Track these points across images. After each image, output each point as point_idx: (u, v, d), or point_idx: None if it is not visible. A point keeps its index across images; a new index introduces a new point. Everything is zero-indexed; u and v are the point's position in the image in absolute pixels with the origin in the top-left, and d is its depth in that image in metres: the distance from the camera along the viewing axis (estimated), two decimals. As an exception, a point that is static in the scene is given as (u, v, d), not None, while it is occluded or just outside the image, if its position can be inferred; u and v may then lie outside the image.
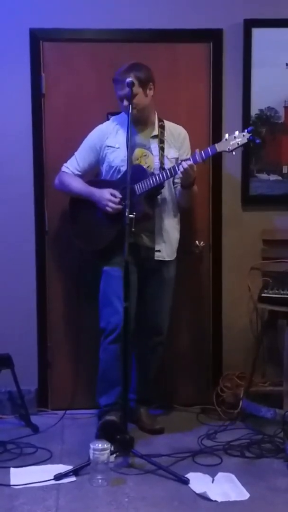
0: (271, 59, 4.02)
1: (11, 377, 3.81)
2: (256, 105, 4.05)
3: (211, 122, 4.07)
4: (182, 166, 3.48)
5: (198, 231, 4.12)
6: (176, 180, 3.70)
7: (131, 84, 3.45)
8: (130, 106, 3.44)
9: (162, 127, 3.75)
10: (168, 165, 3.65)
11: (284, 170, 4.12)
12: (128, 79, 3.47)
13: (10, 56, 3.95)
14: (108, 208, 3.58)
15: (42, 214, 4.04)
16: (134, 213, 3.33)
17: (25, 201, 4.01)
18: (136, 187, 3.56)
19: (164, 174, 3.56)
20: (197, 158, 3.51)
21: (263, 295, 3.75)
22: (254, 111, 4.05)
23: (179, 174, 3.54)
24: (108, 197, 3.58)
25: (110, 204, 3.58)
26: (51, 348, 4.12)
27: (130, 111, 3.44)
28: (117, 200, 3.57)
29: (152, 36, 3.99)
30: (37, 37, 3.95)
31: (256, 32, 3.99)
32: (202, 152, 3.51)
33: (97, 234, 3.69)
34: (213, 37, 4.02)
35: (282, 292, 3.71)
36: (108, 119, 3.87)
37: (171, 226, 3.75)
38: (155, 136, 3.72)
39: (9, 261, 4.04)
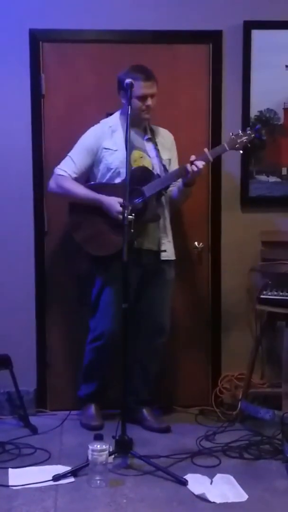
0: (271, 61, 4.02)
1: (10, 377, 3.81)
2: (255, 106, 4.05)
3: (210, 123, 4.07)
4: (196, 166, 3.53)
5: (197, 232, 4.12)
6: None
7: (130, 86, 3.45)
8: (130, 107, 3.43)
9: (151, 129, 3.78)
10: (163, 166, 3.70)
11: (284, 172, 4.12)
12: (128, 80, 3.47)
13: (9, 56, 3.95)
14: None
15: (42, 215, 4.04)
16: (133, 215, 3.33)
17: (25, 201, 4.01)
18: (145, 189, 3.57)
19: (175, 175, 3.62)
20: (209, 157, 3.58)
21: (262, 296, 3.75)
22: (253, 112, 4.05)
23: (190, 174, 3.56)
24: (118, 208, 3.50)
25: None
26: (50, 349, 4.12)
27: (129, 112, 3.43)
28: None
29: (151, 37, 3.99)
30: (36, 38, 3.95)
31: (256, 34, 4.00)
32: (212, 151, 3.60)
33: (106, 240, 3.62)
34: (212, 38, 4.02)
35: (281, 293, 3.72)
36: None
37: (169, 225, 3.79)
38: (149, 139, 3.74)
39: (8, 261, 4.04)
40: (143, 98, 3.60)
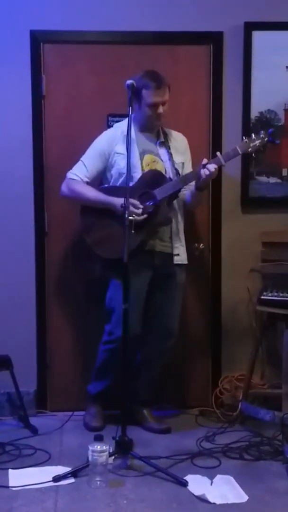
0: (271, 62, 4.03)
1: (10, 378, 3.81)
2: (256, 107, 4.05)
3: (211, 124, 4.08)
4: (208, 169, 3.52)
5: (198, 233, 4.12)
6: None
7: (131, 86, 3.44)
8: (130, 108, 3.42)
9: (164, 133, 3.77)
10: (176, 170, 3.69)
11: (284, 173, 4.12)
12: (129, 81, 3.46)
13: (10, 57, 3.95)
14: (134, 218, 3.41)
15: (42, 216, 4.04)
16: (133, 216, 3.33)
17: (25, 202, 4.01)
18: (156, 192, 3.57)
19: (187, 178, 3.61)
20: (221, 160, 3.57)
21: (262, 297, 3.75)
22: (254, 113, 4.06)
23: (202, 177, 3.55)
24: (130, 209, 3.41)
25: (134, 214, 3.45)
26: (50, 350, 4.12)
27: (130, 113, 3.42)
28: (139, 211, 3.51)
29: (152, 38, 3.99)
30: (37, 39, 3.95)
31: (256, 35, 4.00)
32: (225, 154, 3.60)
33: (117, 243, 3.43)
34: (213, 39, 4.03)
35: (281, 294, 3.72)
36: (108, 121, 3.88)
37: (183, 229, 3.79)
38: (162, 143, 3.73)
39: (8, 262, 4.04)
40: (154, 106, 3.58)
